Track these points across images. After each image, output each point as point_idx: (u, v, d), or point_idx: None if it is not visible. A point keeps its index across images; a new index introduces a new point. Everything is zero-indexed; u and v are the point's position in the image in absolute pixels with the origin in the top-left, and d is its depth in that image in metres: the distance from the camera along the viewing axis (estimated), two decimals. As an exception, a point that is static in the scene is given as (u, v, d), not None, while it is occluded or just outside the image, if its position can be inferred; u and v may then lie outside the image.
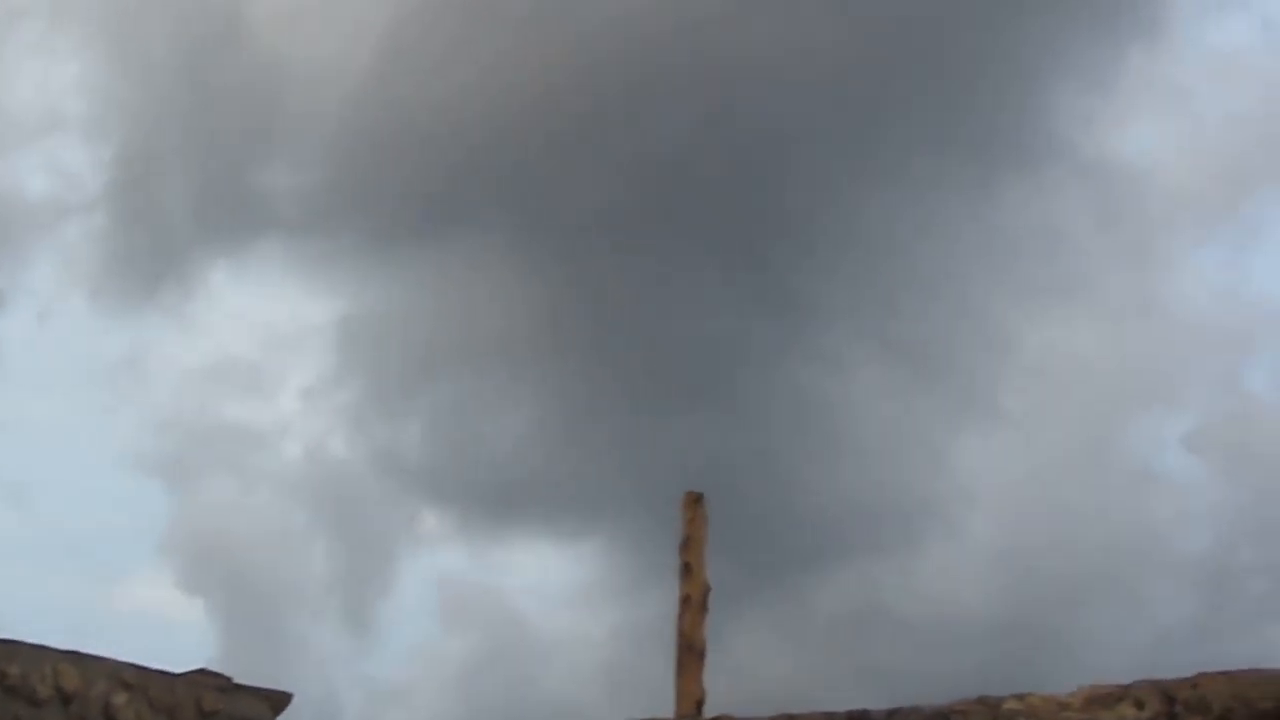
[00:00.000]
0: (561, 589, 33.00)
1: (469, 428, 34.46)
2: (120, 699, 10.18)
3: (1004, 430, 34.04)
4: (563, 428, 33.77)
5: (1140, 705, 9.47)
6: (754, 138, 34.40)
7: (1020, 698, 9.65)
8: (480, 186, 35.08)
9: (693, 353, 33.93)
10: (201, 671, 11.00)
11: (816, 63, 34.55)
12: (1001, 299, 35.04)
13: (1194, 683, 9.45)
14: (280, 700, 11.88)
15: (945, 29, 35.13)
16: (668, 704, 10.59)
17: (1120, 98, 37.62)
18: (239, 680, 11.81)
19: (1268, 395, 33.45)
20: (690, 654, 10.43)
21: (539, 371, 34.58)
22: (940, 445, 33.62)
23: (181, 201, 35.91)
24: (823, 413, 33.56)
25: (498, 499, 33.91)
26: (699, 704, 10.36)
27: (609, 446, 33.18)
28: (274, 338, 42.03)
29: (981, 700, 9.73)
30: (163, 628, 32.62)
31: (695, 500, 10.80)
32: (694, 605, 10.53)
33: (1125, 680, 9.60)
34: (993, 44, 35.74)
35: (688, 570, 10.62)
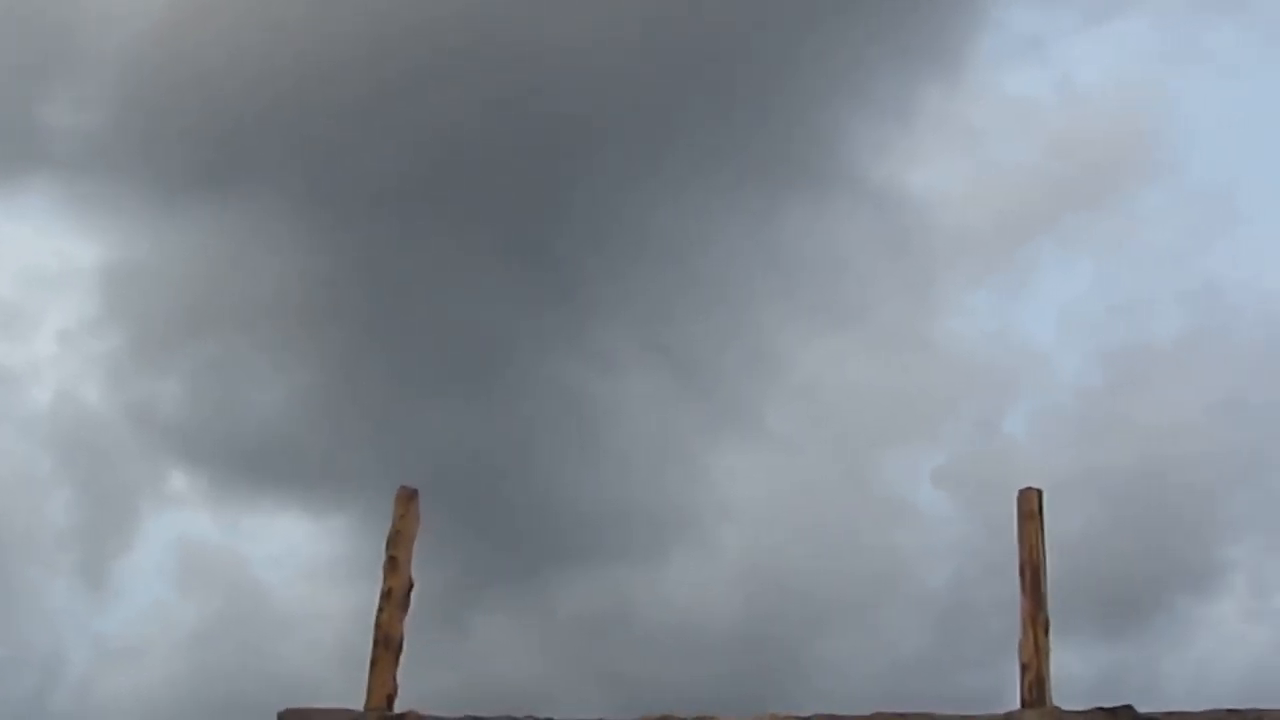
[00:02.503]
0: (306, 563, 32.62)
1: (230, 390, 33.91)
2: None
3: (765, 448, 34.53)
4: (326, 400, 33.44)
5: (816, 738, 9.68)
6: (553, 129, 34.43)
7: (703, 721, 9.81)
8: (268, 147, 34.57)
9: (465, 338, 33.86)
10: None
11: (622, 64, 34.73)
12: (777, 318, 35.55)
13: (869, 721, 9.70)
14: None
15: (748, 44, 35.55)
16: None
17: (914, 133, 38.38)
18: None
19: (1023, 439, 34.36)
20: (385, 648, 10.38)
21: (309, 341, 34.19)
22: (701, 457, 33.99)
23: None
24: (588, 412, 33.73)
25: (251, 465, 33.45)
26: (390, 698, 10.31)
27: (371, 424, 32.95)
28: (36, 277, 40.65)
29: (665, 718, 9.85)
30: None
31: (408, 496, 10.76)
32: (394, 600, 10.48)
33: (863, 709, 9.77)
34: (794, 65, 36.22)
35: (393, 564, 10.57)
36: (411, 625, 10.62)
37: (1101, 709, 9.69)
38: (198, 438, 33.63)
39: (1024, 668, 9.95)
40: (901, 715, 9.72)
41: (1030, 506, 10.23)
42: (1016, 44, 42.26)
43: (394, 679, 10.36)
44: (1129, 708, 9.66)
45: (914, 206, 37.22)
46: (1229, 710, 9.63)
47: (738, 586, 30.32)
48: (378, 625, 10.44)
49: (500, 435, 32.63)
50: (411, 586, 10.58)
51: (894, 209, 36.67)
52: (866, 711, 9.83)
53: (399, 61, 33.46)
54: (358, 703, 10.37)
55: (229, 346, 34.21)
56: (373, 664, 10.38)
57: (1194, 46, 41.22)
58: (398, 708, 10.34)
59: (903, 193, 37.73)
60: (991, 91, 39.73)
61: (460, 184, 34.38)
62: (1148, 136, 38.78)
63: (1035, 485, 10.38)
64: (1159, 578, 28.98)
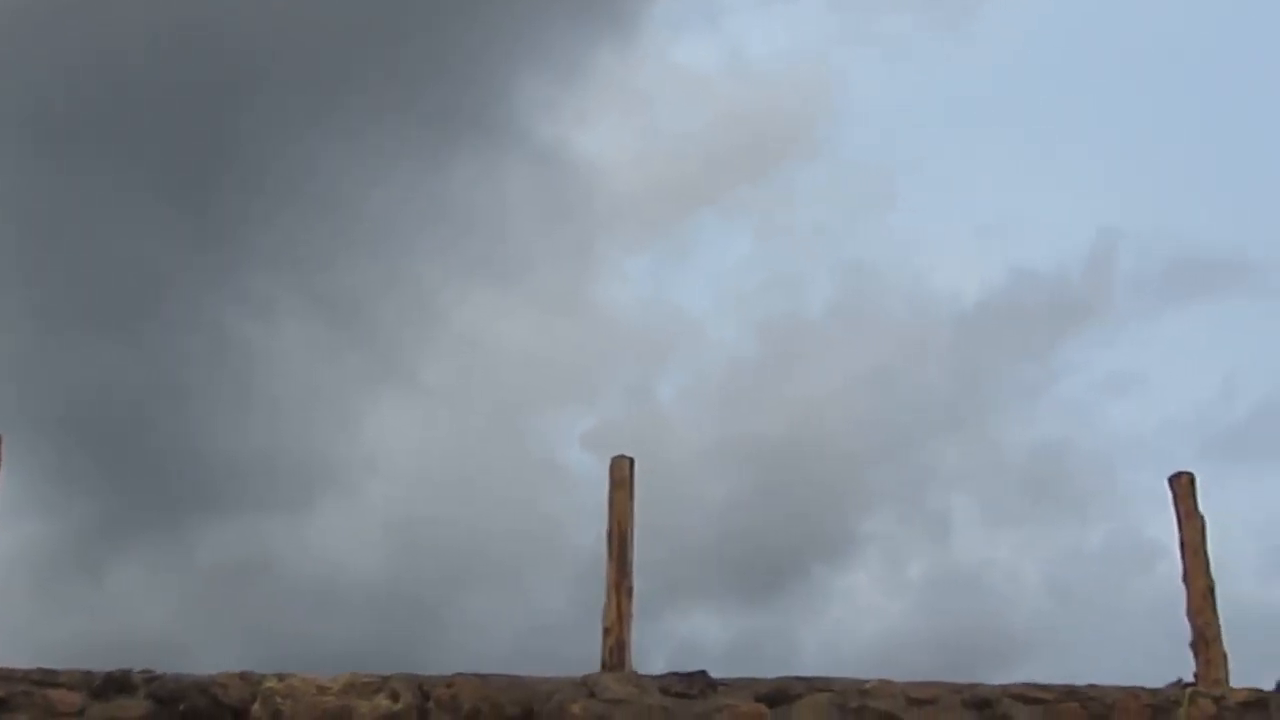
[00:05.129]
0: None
1: None
2: None
3: (418, 401, 34.41)
4: (-36, 332, 32.04)
5: (395, 697, 9.69)
6: (218, 66, 33.54)
7: (281, 677, 9.72)
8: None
9: (116, 276, 32.81)
10: None
11: (293, 5, 34.08)
12: (437, 272, 35.41)
13: (449, 682, 9.76)
14: None
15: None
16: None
17: (583, 95, 38.60)
18: None
19: (675, 405, 34.94)
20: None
21: (-52, 269, 32.67)
22: (352, 407, 33.69)
23: None
24: (240, 357, 33.08)
25: (-122, 396, 31.84)
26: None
27: (13, 361, 31.69)
28: None
29: (244, 675, 9.75)
30: None
31: (-12, 441, 10.42)
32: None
33: (496, 669, 9.81)
34: (469, 16, 36.07)
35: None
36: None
37: (677, 674, 9.94)
38: None
39: (606, 632, 10.13)
40: (481, 675, 9.82)
41: (621, 474, 10.40)
42: (690, 13, 42.90)
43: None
44: (703, 673, 9.94)
45: (579, 168, 37.50)
46: (797, 677, 9.99)
47: (384, 541, 30.16)
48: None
49: (148, 377, 31.79)
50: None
51: (559, 169, 36.91)
52: (499, 670, 9.90)
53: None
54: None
55: None
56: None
57: (866, 29, 42.47)
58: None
59: (569, 154, 38.01)
60: (662, 59, 40.22)
61: (118, 116, 33.26)
62: (812, 114, 39.81)
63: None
64: (799, 546, 29.77)
